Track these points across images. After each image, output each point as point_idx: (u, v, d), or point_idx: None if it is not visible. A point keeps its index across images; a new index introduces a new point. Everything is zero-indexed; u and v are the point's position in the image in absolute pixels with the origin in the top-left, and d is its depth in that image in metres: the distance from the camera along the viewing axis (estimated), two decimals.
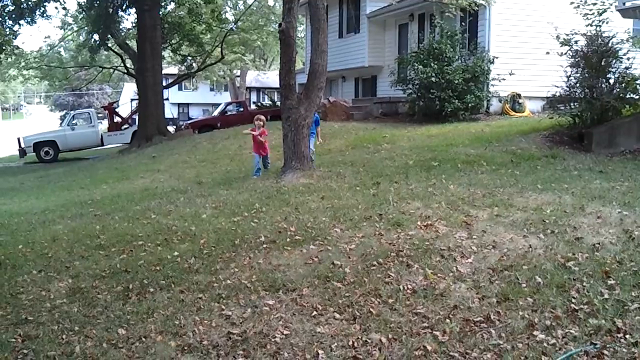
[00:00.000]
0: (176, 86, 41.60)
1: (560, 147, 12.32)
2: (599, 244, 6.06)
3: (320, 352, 4.09)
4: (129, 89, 56.99)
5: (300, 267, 5.85)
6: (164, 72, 29.12)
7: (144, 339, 4.54)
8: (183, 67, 33.85)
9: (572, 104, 13.38)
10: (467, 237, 6.53)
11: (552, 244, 6.14)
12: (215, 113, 31.94)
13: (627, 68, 12.94)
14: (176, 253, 6.67)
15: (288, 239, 6.80)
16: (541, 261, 5.65)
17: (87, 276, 6.20)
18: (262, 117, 12.44)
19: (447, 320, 4.50)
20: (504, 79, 17.84)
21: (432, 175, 10.01)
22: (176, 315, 4.95)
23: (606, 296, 4.77)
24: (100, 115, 37.85)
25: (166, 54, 33.98)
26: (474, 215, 7.36)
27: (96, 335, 4.66)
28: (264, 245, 6.67)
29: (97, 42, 29.58)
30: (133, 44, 28.47)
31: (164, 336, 4.57)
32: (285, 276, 5.65)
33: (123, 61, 31.23)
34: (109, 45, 30.60)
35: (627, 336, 4.07)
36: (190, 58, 32.97)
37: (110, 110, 31.48)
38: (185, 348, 4.33)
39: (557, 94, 13.57)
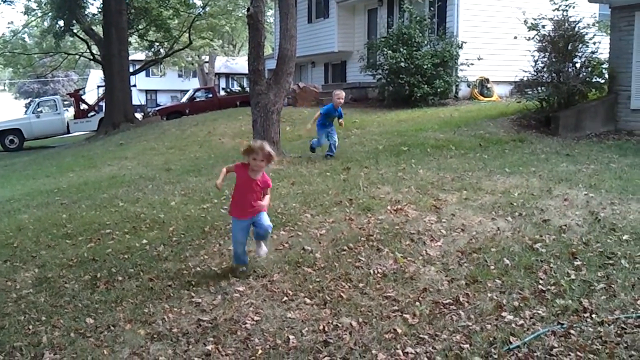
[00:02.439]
0: (143, 72, 40.99)
1: (527, 131, 12.46)
2: (565, 225, 6.14)
3: (291, 337, 4.08)
4: (96, 76, 56.03)
5: (270, 253, 5.81)
6: (130, 58, 28.71)
7: (112, 328, 4.48)
8: (150, 53, 33.37)
9: (539, 89, 13.52)
10: (436, 220, 6.56)
11: (519, 226, 6.21)
12: (184, 99, 31.68)
13: (593, 52, 13.10)
14: (145, 241, 6.59)
15: None
16: (509, 243, 5.72)
17: (53, 265, 6.09)
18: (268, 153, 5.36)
19: (417, 303, 4.52)
20: (472, 64, 17.96)
21: (402, 160, 10.04)
22: (145, 303, 4.90)
23: (573, 277, 4.84)
24: (66, 102, 37.14)
25: (133, 39, 33.49)
26: (443, 199, 7.41)
27: (63, 325, 4.59)
28: None
29: (62, 28, 29.02)
30: (99, 29, 27.94)
31: (132, 324, 4.51)
32: (255, 262, 5.61)
33: (89, 47, 30.66)
34: (74, 31, 30.04)
35: (594, 315, 4.14)
36: (157, 44, 32.50)
37: (77, 97, 30.95)
38: (155, 336, 4.28)
39: (525, 79, 13.70)
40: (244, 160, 5.13)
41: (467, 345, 3.79)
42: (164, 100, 54.63)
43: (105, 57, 25.88)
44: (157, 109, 32.28)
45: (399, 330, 4.06)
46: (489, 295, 4.60)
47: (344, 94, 10.15)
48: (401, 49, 17.72)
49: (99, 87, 32.68)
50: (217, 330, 4.29)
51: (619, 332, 3.88)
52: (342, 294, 4.78)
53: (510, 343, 3.78)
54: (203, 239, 6.49)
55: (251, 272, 5.39)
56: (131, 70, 28.35)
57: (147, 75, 55.72)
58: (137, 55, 40.33)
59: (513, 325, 4.07)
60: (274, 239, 6.26)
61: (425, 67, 17.39)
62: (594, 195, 7.27)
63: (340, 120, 10.68)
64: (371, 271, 5.21)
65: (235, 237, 5.34)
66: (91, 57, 31.38)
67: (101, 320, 4.63)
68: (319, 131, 10.59)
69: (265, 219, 5.26)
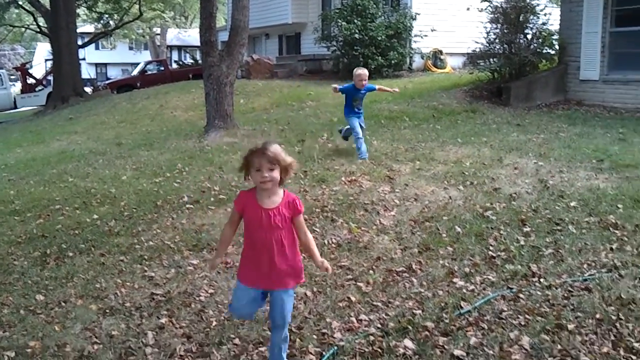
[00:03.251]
0: (93, 45, 39.95)
1: (480, 101, 12.61)
2: (515, 193, 6.27)
3: None
4: (43, 49, 54.28)
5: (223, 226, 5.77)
6: (79, 30, 27.85)
7: (63, 304, 4.40)
8: (99, 25, 32.46)
9: (491, 60, 13.68)
10: (390, 190, 6.62)
11: (471, 195, 6.31)
12: (135, 72, 30.97)
13: (544, 24, 13.29)
14: (95, 216, 6.47)
15: (212, 199, 6.71)
16: (461, 212, 5.80)
17: (2, 243, 5.93)
18: None
19: (371, 272, 4.56)
20: (426, 36, 18.02)
21: None
22: (97, 278, 4.81)
23: (522, 243, 4.95)
24: (12, 76, 35.98)
25: (81, 11, 32.48)
26: (396, 169, 7.47)
27: (13, 303, 4.48)
28: (187, 206, 6.55)
29: None
30: (45, 1, 27.01)
31: (84, 300, 4.44)
32: (209, 236, 5.58)
33: (35, 19, 29.62)
34: (19, 2, 28.95)
35: (542, 280, 4.24)
36: (106, 15, 31.62)
37: (23, 71, 30.00)
38: (107, 311, 4.22)
39: (477, 50, 13.85)
40: (246, 185, 3.32)
41: (420, 311, 3.85)
42: (114, 74, 53.32)
43: (52, 29, 25.03)
44: (107, 82, 31.54)
45: (353, 298, 4.09)
46: (441, 262, 4.67)
47: (366, 73, 8.48)
48: (355, 21, 17.65)
49: (46, 60, 31.77)
50: (170, 303, 4.26)
51: (565, 295, 3.99)
52: None
53: (461, 308, 3.85)
54: (155, 213, 6.40)
55: (205, 246, 5.34)
56: (80, 43, 27.48)
57: (97, 48, 54.30)
58: (86, 27, 39.13)
59: (464, 290, 4.14)
60: (228, 211, 6.21)
61: (379, 38, 17.37)
62: (544, 163, 7.42)
63: (378, 88, 9.01)
64: (326, 241, 5.23)
65: (238, 310, 3.31)
66: (38, 30, 30.36)
67: (52, 297, 4.53)
68: (349, 119, 8.57)
69: (287, 305, 3.17)
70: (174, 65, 36.43)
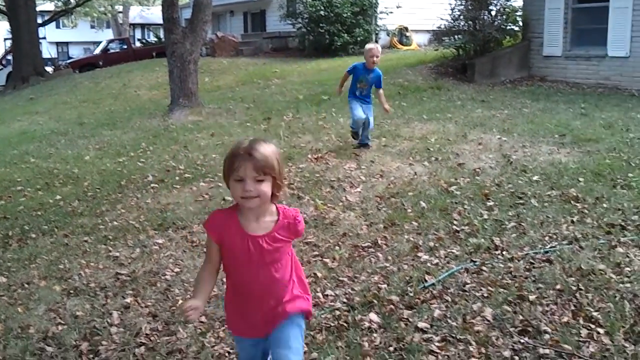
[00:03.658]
0: (53, 24, 38.96)
1: (445, 78, 12.68)
2: (479, 168, 6.34)
3: None
4: (1, 28, 52.83)
5: (190, 205, 5.74)
6: (38, 8, 27.19)
7: (26, 285, 4.33)
8: (60, 3, 31.66)
9: (456, 36, 13.74)
10: (356, 167, 6.64)
11: (436, 170, 6.37)
12: (97, 51, 30.37)
13: (507, 0, 13.37)
14: (58, 197, 6.37)
15: (177, 177, 6.65)
16: (426, 187, 5.86)
17: None
18: None
19: (337, 248, 4.58)
20: (391, 12, 18.02)
21: (322, 109, 10.05)
22: (60, 259, 4.75)
23: (485, 217, 5.02)
24: None
25: None
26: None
27: None
28: (152, 185, 6.49)
29: None
30: None
31: (48, 281, 4.37)
32: (175, 214, 5.53)
33: None
34: None
35: (504, 252, 4.31)
36: None
37: None
38: (71, 292, 4.17)
39: (442, 27, 13.89)
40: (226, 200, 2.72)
41: (385, 285, 3.89)
42: (76, 53, 52.19)
43: (10, 7, 24.33)
44: (69, 61, 30.87)
45: (319, 274, 4.11)
46: (406, 237, 4.72)
47: (379, 49, 7.31)
48: None
49: (5, 39, 30.94)
50: (136, 282, 4.22)
51: (527, 267, 4.06)
52: None
53: (426, 281, 3.90)
54: (120, 193, 6.33)
55: (171, 225, 5.30)
56: (40, 21, 26.84)
57: (58, 27, 53.00)
58: (46, 5, 38.19)
59: (428, 264, 4.19)
60: (194, 190, 6.18)
61: (344, 15, 17.31)
62: (507, 139, 7.52)
63: (380, 91, 7.49)
64: None
65: None
66: None
67: (14, 279, 4.46)
68: (350, 103, 7.41)
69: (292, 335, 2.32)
70: (137, 44, 35.82)
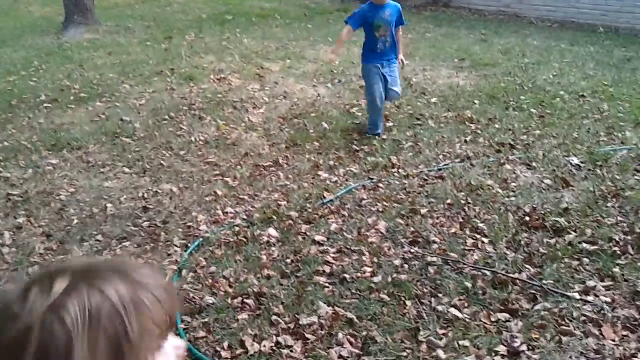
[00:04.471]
0: None
1: (352, 2, 12.56)
2: None
3: (109, 205, 3.98)
4: None
5: (86, 125, 5.53)
6: None
7: None
8: None
9: None
10: (259, 89, 6.58)
11: (339, 92, 6.42)
12: None
13: None
14: None
15: (72, 97, 6.36)
16: (328, 109, 5.90)
17: None
18: None
19: (238, 167, 4.58)
20: None
21: (227, 29, 9.80)
22: None
23: (385, 137, 5.14)
24: None
25: None
26: (267, 68, 7.41)
27: None
28: (45, 105, 6.18)
29: None
30: None
31: None
32: (69, 135, 5.32)
33: None
34: None
35: (400, 170, 4.46)
36: None
37: None
38: None
39: None
40: None
41: (285, 202, 3.95)
42: None
43: None
44: None
45: (220, 193, 4.11)
46: (308, 157, 4.77)
47: None
48: None
49: None
50: (28, 203, 4.08)
51: (421, 183, 4.23)
52: (162, 162, 4.71)
53: (324, 198, 3.99)
54: (10, 113, 5.99)
55: (65, 145, 5.10)
56: None
57: None
58: None
59: (328, 182, 4.28)
60: (89, 110, 5.95)
61: None
62: (409, 62, 7.60)
63: (401, 32, 5.32)
64: (193, 139, 5.16)
65: None
66: None
67: None
68: (367, 71, 5.16)
69: None
70: None
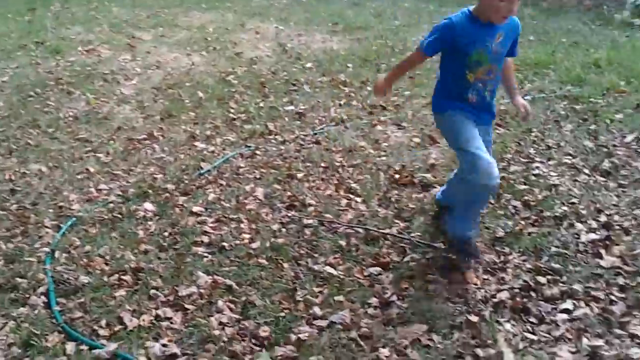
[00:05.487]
0: None
1: None
2: (256, 57, 6.43)
3: None
4: None
5: None
6: None
7: None
8: None
9: None
10: (131, 59, 6.38)
11: (213, 60, 6.35)
12: None
13: None
14: None
15: None
16: (203, 77, 5.83)
17: None
18: None
19: (111, 142, 4.46)
20: None
21: None
22: None
23: (261, 104, 5.17)
24: None
25: None
26: (138, 37, 7.20)
27: None
28: None
29: None
30: None
31: None
32: None
33: None
34: None
35: (277, 136, 4.51)
36: None
37: None
38: None
39: None
40: None
41: (161, 175, 3.90)
42: None
43: None
44: None
45: (92, 170, 3.99)
46: (183, 127, 4.72)
47: None
48: None
49: None
50: None
51: (297, 148, 4.31)
52: (29, 141, 4.49)
53: (201, 168, 3.98)
54: None
55: None
56: None
57: None
58: None
59: (205, 152, 4.26)
60: None
61: None
62: (284, 27, 7.66)
63: (511, 63, 3.01)
64: (61, 115, 4.95)
65: None
66: None
67: None
68: (445, 119, 2.86)
69: None
70: None
